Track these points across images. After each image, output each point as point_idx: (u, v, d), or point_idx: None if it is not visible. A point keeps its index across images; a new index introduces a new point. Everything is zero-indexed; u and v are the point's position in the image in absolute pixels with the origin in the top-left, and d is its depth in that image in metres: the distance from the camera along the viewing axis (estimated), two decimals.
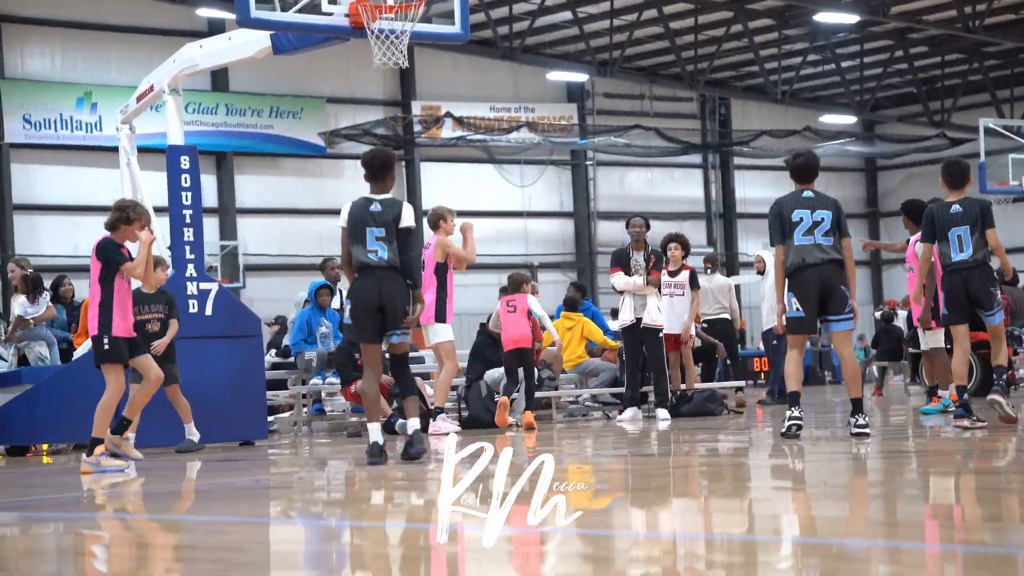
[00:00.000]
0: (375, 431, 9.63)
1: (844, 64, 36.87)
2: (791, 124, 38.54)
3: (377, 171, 9.94)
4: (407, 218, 9.78)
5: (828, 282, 10.15)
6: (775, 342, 18.04)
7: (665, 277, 15.38)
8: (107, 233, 10.71)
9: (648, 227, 15.34)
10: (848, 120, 39.72)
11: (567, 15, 32.92)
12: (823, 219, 10.21)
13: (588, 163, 38.24)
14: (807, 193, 10.36)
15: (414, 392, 10.01)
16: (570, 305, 17.39)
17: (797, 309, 10.21)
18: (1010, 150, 30.26)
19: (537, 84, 36.79)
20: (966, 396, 10.74)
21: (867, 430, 10.06)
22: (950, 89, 37.93)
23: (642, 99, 38.98)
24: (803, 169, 10.51)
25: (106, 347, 10.64)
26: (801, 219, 10.19)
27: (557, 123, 36.83)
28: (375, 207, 9.78)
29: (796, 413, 10.24)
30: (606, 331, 17.49)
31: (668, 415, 14.93)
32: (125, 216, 10.63)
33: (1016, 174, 28.36)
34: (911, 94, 38.51)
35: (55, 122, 30.76)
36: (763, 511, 6.55)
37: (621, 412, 15.27)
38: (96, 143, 29.86)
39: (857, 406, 10.21)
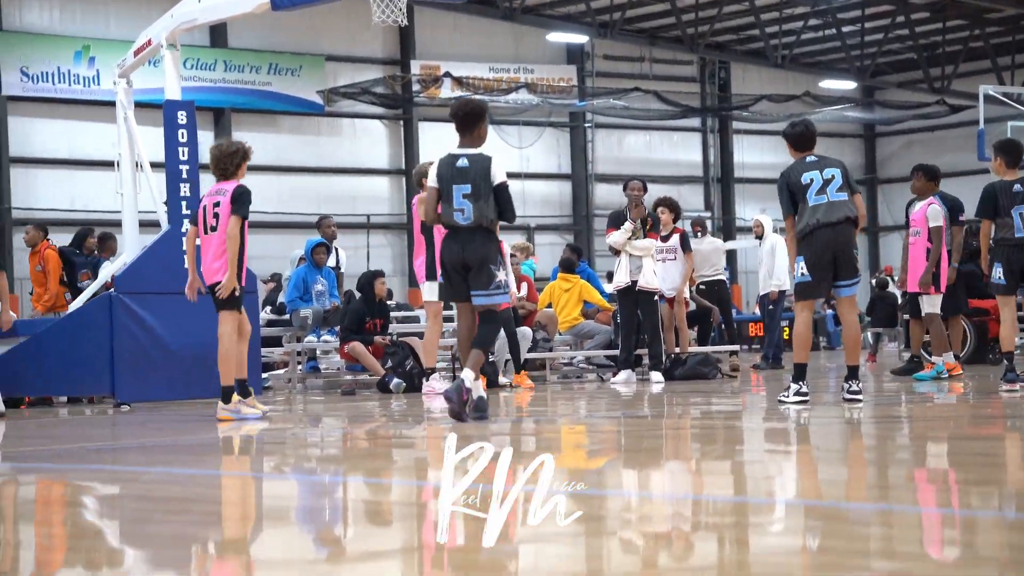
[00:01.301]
0: (469, 379, 9.23)
1: (845, 29, 36.75)
2: (791, 89, 38.48)
3: (463, 123, 9.57)
4: (498, 174, 9.42)
5: (842, 244, 9.99)
6: (771, 307, 18.06)
7: (657, 242, 15.37)
8: (236, 180, 11.32)
9: (646, 190, 15.31)
10: (848, 86, 39.62)
11: None
12: (833, 176, 10.02)
13: (587, 125, 38.18)
14: (811, 157, 10.20)
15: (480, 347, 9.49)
16: (567, 266, 17.37)
17: (803, 274, 10.06)
18: (1010, 117, 30.19)
19: (537, 45, 36.68)
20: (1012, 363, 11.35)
21: (859, 396, 10.07)
22: (951, 55, 37.83)
23: (642, 62, 38.87)
24: (800, 138, 10.31)
25: (236, 294, 10.95)
26: (811, 180, 9.99)
27: (556, 84, 36.73)
28: (462, 162, 9.43)
29: (803, 388, 10.12)
30: (602, 293, 17.49)
31: (662, 378, 14.94)
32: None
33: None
34: (911, 60, 38.40)
35: (53, 75, 30.64)
36: (753, 473, 6.56)
37: (615, 374, 15.28)
38: (94, 97, 29.77)
39: (853, 372, 10.17)
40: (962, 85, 36.77)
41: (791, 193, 10.12)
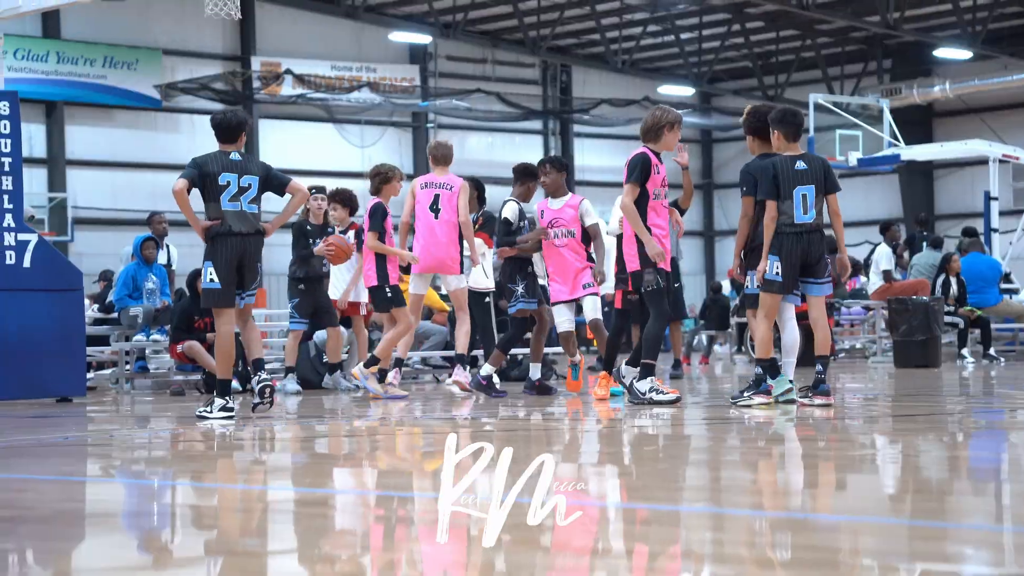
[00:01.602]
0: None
1: (683, 36, 37.22)
2: (631, 93, 38.81)
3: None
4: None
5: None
6: (606, 309, 18.06)
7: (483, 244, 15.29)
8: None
9: (482, 189, 15.20)
10: (686, 92, 40.10)
11: None
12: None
13: (429, 125, 38.08)
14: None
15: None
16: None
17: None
18: (838, 126, 30.76)
19: (379, 44, 36.49)
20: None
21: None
22: (784, 64, 38.51)
23: (484, 63, 38.90)
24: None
25: (389, 295, 12.49)
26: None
27: (399, 84, 36.59)
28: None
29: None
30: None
31: (498, 378, 14.85)
32: (384, 177, 12.57)
33: (843, 149, 28.82)
34: (747, 68, 39.04)
35: None
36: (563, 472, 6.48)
37: (451, 375, 15.14)
38: None
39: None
40: (794, 94, 37.42)
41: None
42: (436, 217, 12.81)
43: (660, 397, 10.38)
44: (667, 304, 10.66)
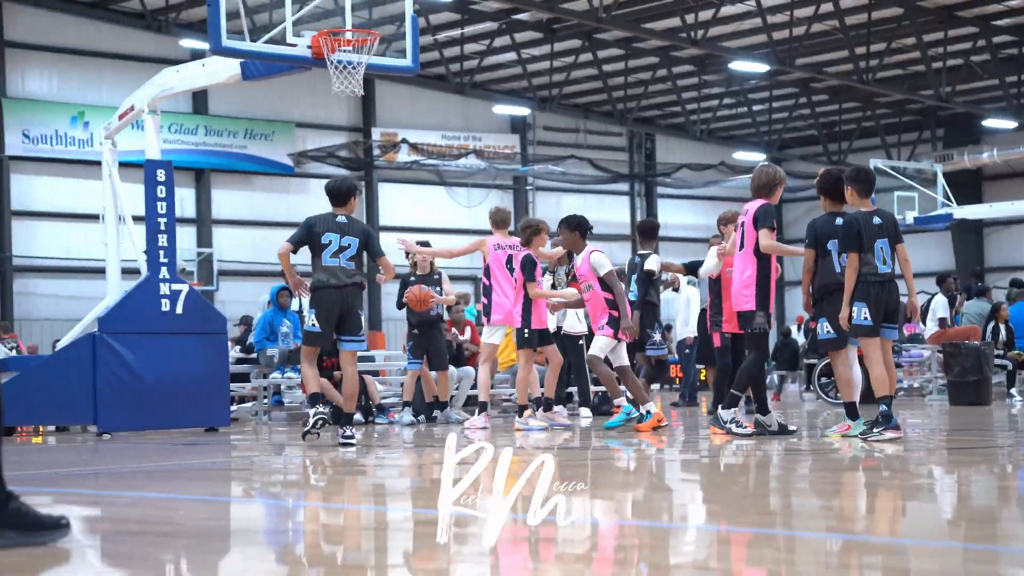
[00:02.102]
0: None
1: (755, 108, 37.03)
2: (708, 159, 38.67)
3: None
4: None
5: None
6: (687, 351, 18.00)
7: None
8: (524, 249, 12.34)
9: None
10: (758, 157, 39.79)
11: (512, 55, 32.88)
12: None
13: (528, 188, 38.17)
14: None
15: None
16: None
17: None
18: (896, 188, 30.46)
19: (484, 116, 36.70)
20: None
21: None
22: (846, 133, 38.15)
23: (577, 132, 38.95)
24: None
25: (526, 336, 12.34)
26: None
27: (501, 151, 36.73)
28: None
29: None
30: None
31: (590, 413, 14.82)
32: (535, 229, 12.34)
33: (900, 209, 28.56)
34: (813, 136, 38.72)
35: (51, 137, 30.35)
36: (668, 500, 6.45)
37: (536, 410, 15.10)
38: (87, 157, 29.43)
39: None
40: (856, 159, 37.02)
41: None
42: (512, 274, 12.83)
43: (738, 430, 10.26)
44: (766, 348, 10.59)
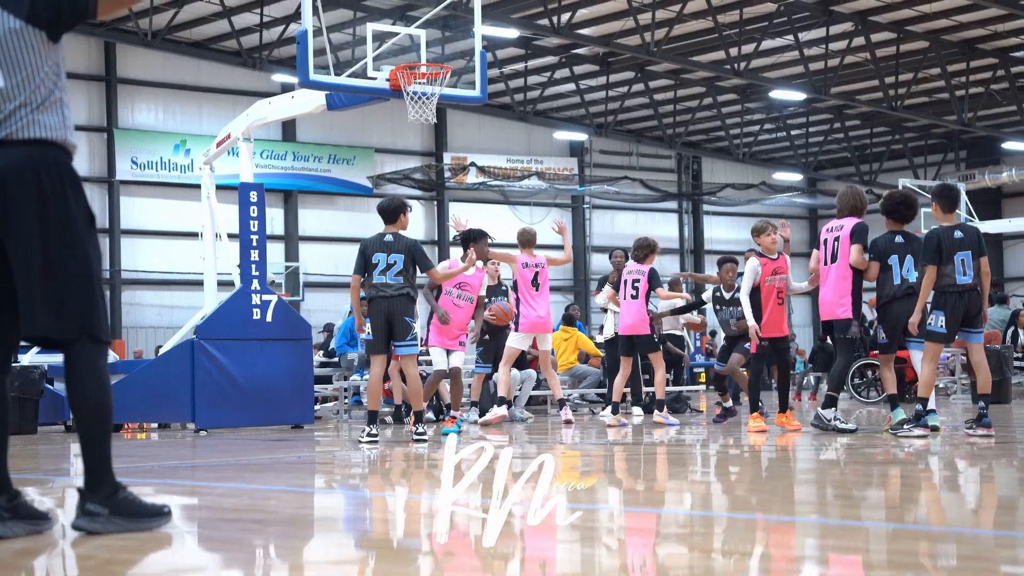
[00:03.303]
0: None
1: (793, 132, 36.78)
2: (750, 179, 38.45)
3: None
4: None
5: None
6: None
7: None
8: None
9: (627, 258, 15.17)
10: (796, 177, 39.57)
11: (571, 86, 32.90)
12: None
13: (585, 206, 38.14)
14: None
15: None
16: (568, 321, 17.27)
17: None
18: (923, 205, 30.01)
19: (545, 141, 36.72)
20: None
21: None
22: (877, 155, 37.80)
23: (630, 156, 38.87)
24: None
25: (656, 340, 12.43)
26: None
27: (561, 173, 36.72)
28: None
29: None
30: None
31: (642, 412, 14.76)
32: (651, 247, 12.59)
33: (927, 224, 28.13)
34: (846, 158, 38.39)
35: (156, 163, 30.75)
36: (716, 491, 6.40)
37: (604, 409, 15.09)
38: (188, 181, 29.83)
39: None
40: (886, 179, 36.68)
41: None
42: (537, 290, 12.98)
43: (842, 425, 10.12)
44: (853, 352, 10.54)
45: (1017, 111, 32.10)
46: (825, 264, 10.32)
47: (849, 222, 10.29)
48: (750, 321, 10.99)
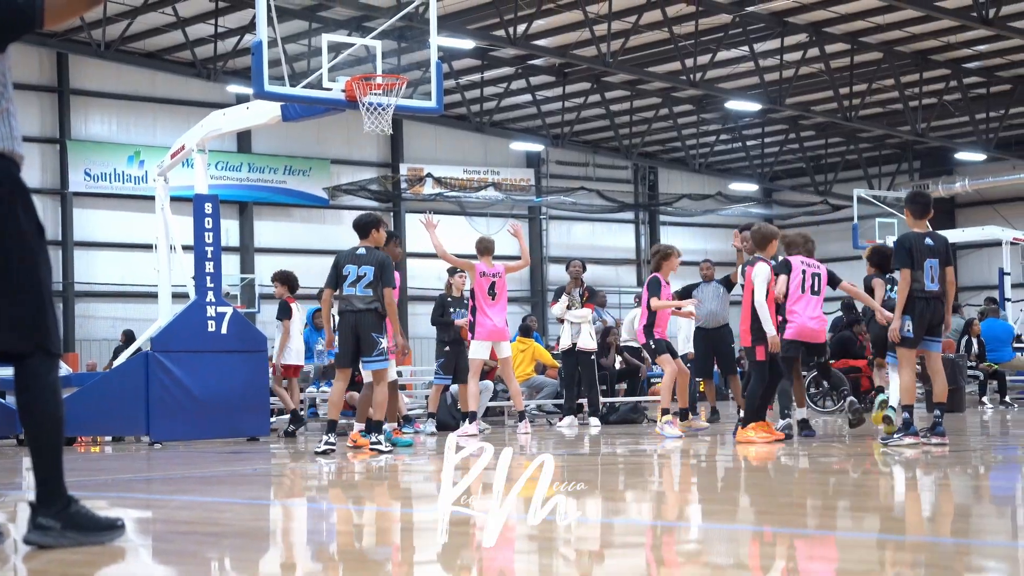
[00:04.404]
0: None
1: (749, 143, 37.03)
2: (706, 189, 38.68)
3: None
4: None
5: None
6: (689, 365, 17.94)
7: (593, 312, 15.41)
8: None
9: (584, 268, 15.29)
10: (751, 187, 39.85)
11: (528, 97, 32.97)
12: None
13: (542, 217, 38.20)
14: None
15: None
16: (524, 332, 17.33)
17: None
18: (878, 215, 30.43)
19: (502, 151, 36.77)
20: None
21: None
22: (832, 165, 38.12)
23: (586, 166, 38.98)
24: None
25: (653, 347, 12.35)
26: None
27: (518, 184, 36.78)
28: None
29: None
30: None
31: (599, 422, 14.81)
32: (664, 254, 12.43)
33: (882, 234, 28.52)
34: (801, 168, 38.69)
35: (110, 175, 30.53)
36: (668, 501, 6.44)
37: (561, 419, 15.13)
38: (142, 192, 29.61)
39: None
40: (841, 189, 37.02)
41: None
42: (493, 299, 13.07)
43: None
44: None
45: (969, 122, 32.51)
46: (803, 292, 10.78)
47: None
48: (770, 330, 10.70)
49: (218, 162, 31.09)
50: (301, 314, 14.49)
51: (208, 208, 13.48)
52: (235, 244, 32.35)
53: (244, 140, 32.40)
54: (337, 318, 10.57)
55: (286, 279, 14.57)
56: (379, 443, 10.34)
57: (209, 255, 13.34)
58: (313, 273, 33.67)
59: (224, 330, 13.10)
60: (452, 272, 14.39)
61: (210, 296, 13.14)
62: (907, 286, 9.52)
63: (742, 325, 11.01)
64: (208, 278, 13.25)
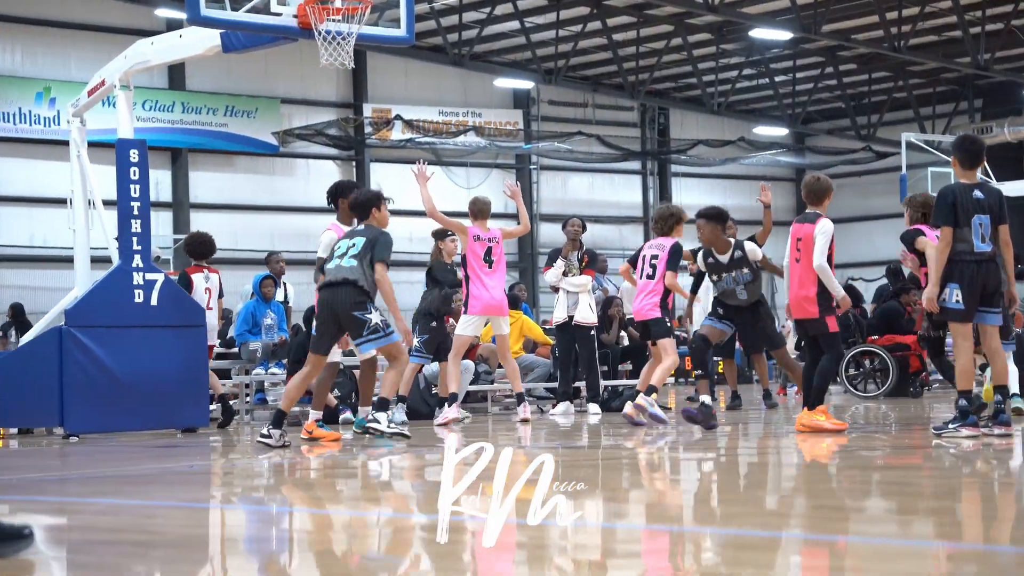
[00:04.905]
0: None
1: (778, 79, 37.00)
2: (726, 134, 38.65)
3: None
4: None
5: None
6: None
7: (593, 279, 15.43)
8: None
9: (584, 228, 15.29)
10: (780, 132, 39.86)
11: (515, 24, 32.85)
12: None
13: (532, 167, 38.18)
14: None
15: None
16: (512, 303, 17.25)
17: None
18: (930, 164, 30.44)
19: (484, 90, 36.70)
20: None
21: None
22: (876, 105, 38.12)
23: (585, 107, 38.94)
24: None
25: (669, 324, 12.64)
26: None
27: (503, 128, 36.73)
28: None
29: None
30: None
31: (599, 409, 14.84)
32: (677, 218, 12.96)
33: (935, 187, 28.44)
34: (840, 109, 38.70)
35: (14, 116, 30.35)
36: (677, 502, 6.44)
37: (554, 406, 15.16)
38: (54, 136, 29.44)
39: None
40: (886, 133, 37.05)
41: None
42: (490, 267, 13.09)
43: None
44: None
45: None
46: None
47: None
48: (838, 291, 10.69)
49: (146, 101, 30.93)
50: (212, 284, 14.44)
51: (134, 156, 13.39)
52: (167, 199, 32.25)
53: (177, 75, 32.25)
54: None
55: (189, 242, 14.68)
56: (376, 422, 10.40)
57: (135, 211, 13.26)
58: (259, 233, 33.79)
59: (154, 301, 13.05)
60: (441, 235, 14.40)
61: (137, 260, 13.08)
62: (947, 247, 9.47)
63: (798, 292, 10.87)
64: (135, 239, 13.18)
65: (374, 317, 10.31)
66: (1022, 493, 6.69)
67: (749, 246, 12.75)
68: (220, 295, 14.62)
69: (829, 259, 10.76)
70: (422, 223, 15.23)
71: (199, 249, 14.75)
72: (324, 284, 10.53)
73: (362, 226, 10.72)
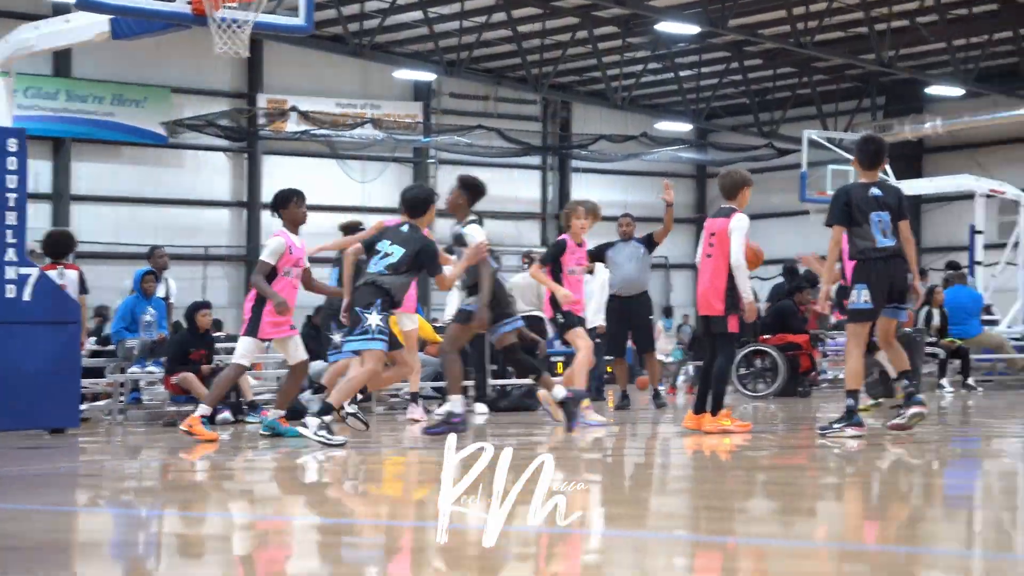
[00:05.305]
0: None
1: (682, 73, 37.27)
2: (629, 129, 38.87)
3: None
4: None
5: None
6: (597, 340, 18.11)
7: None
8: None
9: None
10: (683, 128, 40.15)
11: (417, 14, 32.78)
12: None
13: (430, 161, 38.16)
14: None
15: None
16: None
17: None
18: (831, 161, 30.79)
19: (384, 82, 36.60)
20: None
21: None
22: (780, 101, 38.55)
23: (487, 100, 39.00)
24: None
25: (563, 320, 12.62)
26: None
27: (402, 120, 36.68)
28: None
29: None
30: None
31: (486, 409, 14.90)
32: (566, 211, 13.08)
33: (834, 184, 28.79)
34: (744, 105, 39.07)
35: None
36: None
37: (440, 406, 15.17)
38: None
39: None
40: (789, 130, 37.46)
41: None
42: None
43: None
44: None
45: (946, 49, 32.85)
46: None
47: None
48: (748, 295, 10.81)
49: (28, 88, 30.46)
50: (68, 280, 14.32)
51: (12, 145, 13.19)
52: (46, 190, 31.82)
53: (62, 61, 31.83)
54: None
55: (45, 241, 14.63)
56: (327, 428, 10.21)
57: (11, 203, 13.07)
58: (145, 228, 33.37)
59: (27, 296, 12.87)
60: (351, 229, 14.39)
61: (10, 254, 12.90)
62: (836, 246, 9.82)
63: (707, 288, 10.98)
64: (9, 232, 12.98)
65: (372, 319, 10.30)
66: (904, 492, 6.87)
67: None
68: (83, 291, 14.48)
69: None
70: (324, 218, 15.18)
71: (55, 248, 14.72)
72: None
73: (407, 227, 10.65)
